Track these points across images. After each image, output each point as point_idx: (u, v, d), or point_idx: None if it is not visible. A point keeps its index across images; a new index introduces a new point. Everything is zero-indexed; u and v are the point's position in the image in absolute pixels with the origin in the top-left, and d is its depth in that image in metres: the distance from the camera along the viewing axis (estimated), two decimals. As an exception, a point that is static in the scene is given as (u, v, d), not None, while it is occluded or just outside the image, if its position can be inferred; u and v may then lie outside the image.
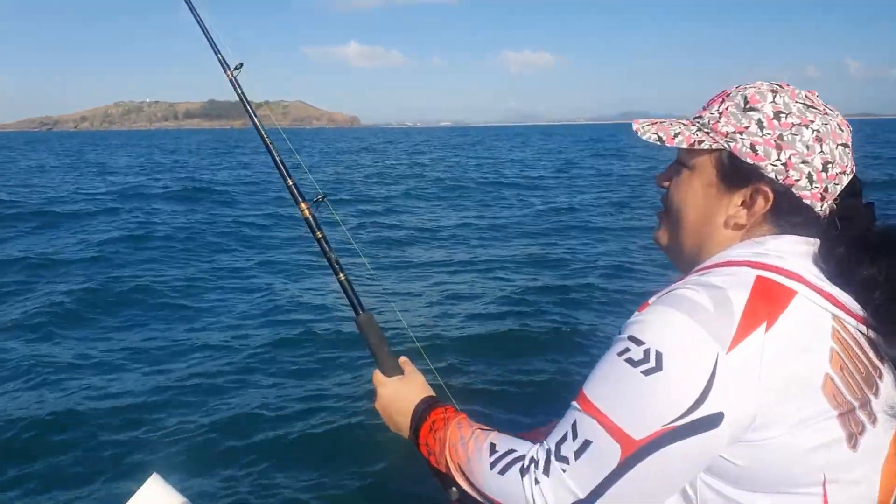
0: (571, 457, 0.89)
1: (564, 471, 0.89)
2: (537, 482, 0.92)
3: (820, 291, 0.89)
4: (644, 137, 1.05)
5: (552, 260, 8.87)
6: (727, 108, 1.00)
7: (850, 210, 0.99)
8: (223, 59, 1.79)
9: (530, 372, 4.78)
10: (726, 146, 0.98)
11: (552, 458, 0.91)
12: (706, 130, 1.01)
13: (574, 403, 0.92)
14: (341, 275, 1.46)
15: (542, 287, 7.19)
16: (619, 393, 0.87)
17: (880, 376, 0.91)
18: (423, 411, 1.21)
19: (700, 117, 1.04)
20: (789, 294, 0.88)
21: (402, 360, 1.35)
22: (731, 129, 0.98)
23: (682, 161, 1.05)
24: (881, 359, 0.92)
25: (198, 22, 1.82)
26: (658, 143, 1.03)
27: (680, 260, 1.08)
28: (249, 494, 3.52)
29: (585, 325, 5.83)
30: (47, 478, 3.71)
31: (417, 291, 6.92)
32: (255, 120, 1.70)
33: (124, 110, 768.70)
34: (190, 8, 1.84)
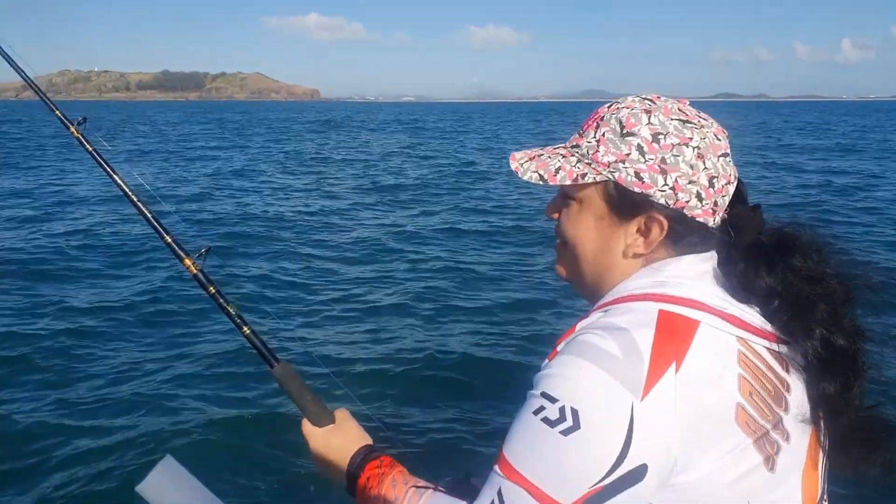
0: None
1: None
2: None
3: (722, 315, 0.89)
4: (525, 178, 1.01)
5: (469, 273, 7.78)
6: (604, 135, 0.97)
7: (740, 218, 0.99)
8: None
9: (467, 406, 4.45)
10: (611, 177, 0.96)
11: None
12: (587, 161, 0.98)
13: (496, 468, 0.88)
14: (246, 328, 1.34)
15: (470, 310, 6.50)
16: (541, 457, 0.84)
17: (788, 389, 0.91)
18: (357, 466, 1.16)
19: (577, 146, 1.01)
20: (692, 326, 0.87)
21: (339, 410, 1.28)
22: (612, 158, 0.96)
23: (567, 194, 1.02)
24: (787, 369, 0.92)
25: None
26: (540, 182, 1.00)
27: (583, 290, 1.06)
28: (260, 481, 3.59)
29: (517, 352, 5.35)
30: (63, 459, 3.80)
31: (335, 331, 6.01)
32: (111, 171, 1.56)
33: (70, 79, 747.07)
34: None
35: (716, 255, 0.98)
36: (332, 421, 1.26)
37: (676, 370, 0.83)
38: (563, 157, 1.01)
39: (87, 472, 3.67)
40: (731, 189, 0.98)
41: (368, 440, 1.23)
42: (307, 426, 1.26)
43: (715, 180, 0.95)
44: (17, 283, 7.24)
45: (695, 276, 0.94)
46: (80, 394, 4.64)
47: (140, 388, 4.71)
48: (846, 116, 67.25)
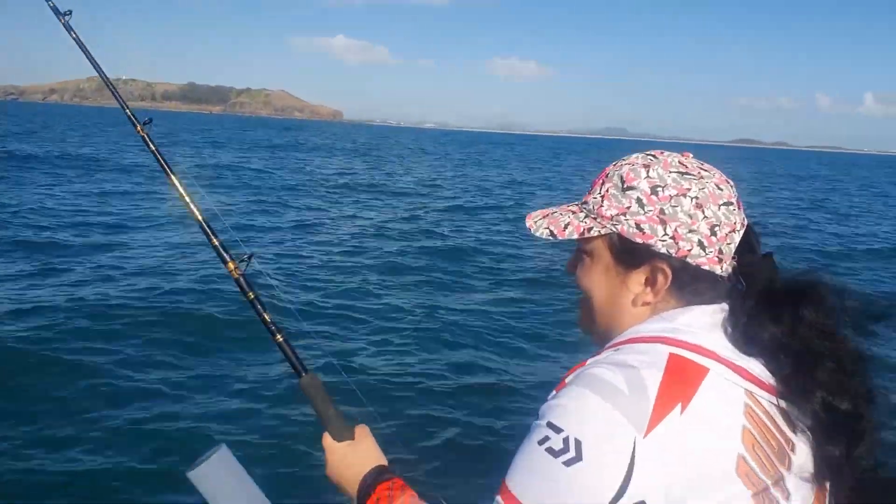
0: None
1: None
2: None
3: (731, 366, 0.90)
4: (537, 234, 1.08)
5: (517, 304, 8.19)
6: (608, 191, 1.02)
7: (750, 266, 1.00)
8: (54, 5, 1.82)
9: (487, 434, 4.60)
10: (614, 229, 1.00)
11: None
12: (593, 216, 1.04)
13: (498, 498, 0.88)
14: (279, 336, 1.39)
15: (510, 330, 6.98)
16: (542, 487, 0.85)
17: (793, 449, 0.90)
18: (369, 486, 1.19)
19: (586, 202, 1.07)
20: (702, 372, 0.88)
21: (359, 427, 1.32)
22: (614, 211, 1.00)
23: (581, 248, 1.08)
24: (793, 429, 0.91)
25: None
26: (551, 237, 1.05)
27: (598, 339, 1.08)
28: (308, 484, 3.63)
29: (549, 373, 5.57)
30: (119, 438, 4.03)
31: (365, 343, 6.37)
32: (161, 161, 1.67)
33: (98, 85, 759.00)
34: None
35: (727, 307, 0.98)
36: (352, 437, 1.29)
37: (682, 411, 0.84)
38: (573, 213, 1.06)
39: (140, 454, 3.91)
40: (737, 237, 0.99)
41: (383, 460, 1.26)
42: (327, 439, 1.30)
43: (717, 228, 0.96)
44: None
45: (706, 326, 0.94)
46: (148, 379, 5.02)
47: (193, 382, 5.05)
48: (857, 168, 69.67)
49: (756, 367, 0.92)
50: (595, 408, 0.85)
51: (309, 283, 8.49)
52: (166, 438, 4.15)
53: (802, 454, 0.91)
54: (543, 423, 0.88)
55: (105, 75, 1.94)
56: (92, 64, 1.97)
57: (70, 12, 1.88)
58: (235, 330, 6.23)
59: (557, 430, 0.86)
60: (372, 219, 14.94)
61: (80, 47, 1.90)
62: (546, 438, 0.86)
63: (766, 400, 0.91)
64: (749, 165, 65.83)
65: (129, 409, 4.57)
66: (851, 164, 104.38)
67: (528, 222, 1.11)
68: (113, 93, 1.94)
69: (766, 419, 0.90)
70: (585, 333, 1.12)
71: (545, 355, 6.43)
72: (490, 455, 4.23)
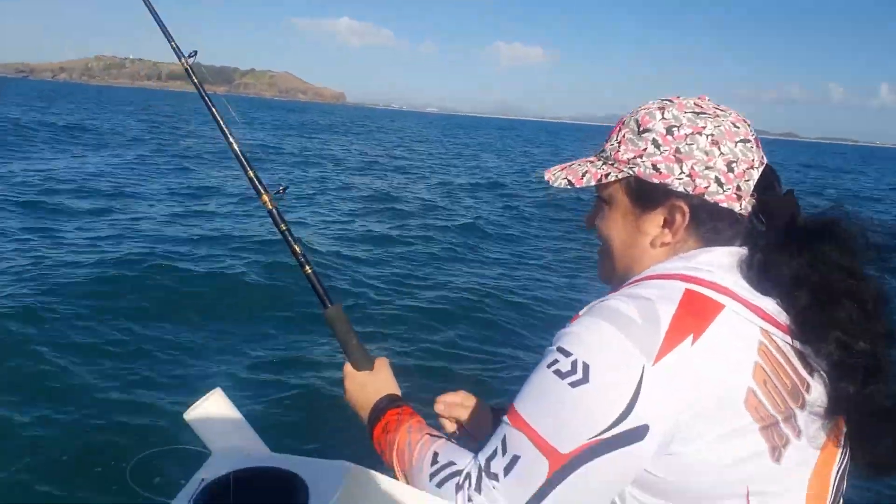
0: (501, 473, 0.91)
1: (495, 487, 0.91)
2: (470, 500, 0.94)
3: (748, 304, 0.89)
4: (555, 185, 1.08)
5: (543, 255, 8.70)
6: (624, 136, 1.02)
7: (769, 204, 0.99)
8: (177, 48, 1.80)
9: (502, 370, 4.69)
10: (631, 172, 1.00)
11: (483, 474, 0.93)
12: (610, 162, 1.03)
13: (504, 418, 0.92)
14: (308, 268, 1.42)
15: (534, 282, 7.18)
16: (546, 405, 0.88)
17: (807, 389, 0.89)
18: (380, 410, 1.23)
19: (603, 150, 1.07)
20: (716, 307, 0.88)
21: (379, 359, 1.36)
22: (631, 154, 1.00)
23: (600, 196, 1.07)
24: (809, 370, 0.90)
25: (151, 13, 1.81)
26: (569, 186, 1.06)
27: (618, 285, 1.05)
28: (304, 430, 3.74)
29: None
30: (116, 382, 4.15)
31: (390, 279, 6.73)
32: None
33: (106, 65, 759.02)
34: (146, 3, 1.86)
35: (746, 249, 0.97)
36: (371, 367, 1.33)
37: (692, 342, 0.84)
38: (591, 162, 1.07)
39: (141, 401, 3.97)
40: (755, 174, 0.98)
41: (396, 390, 1.30)
42: (348, 367, 1.34)
43: (734, 165, 0.96)
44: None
45: (724, 265, 0.94)
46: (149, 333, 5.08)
47: (198, 329, 5.21)
48: (875, 160, 66.65)
49: (772, 307, 0.91)
50: (606, 335, 0.86)
51: (341, 226, 8.99)
52: (168, 387, 4.27)
53: (817, 394, 0.90)
54: (554, 348, 0.91)
55: (181, 52, 1.82)
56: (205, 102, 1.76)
57: (195, 53, 1.83)
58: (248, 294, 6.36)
59: (567, 353, 0.88)
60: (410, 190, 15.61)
61: (198, 90, 1.76)
62: (555, 361, 0.89)
63: (782, 339, 0.90)
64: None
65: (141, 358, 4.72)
66: (869, 156, 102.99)
67: (547, 175, 1.11)
68: (197, 85, 1.75)
69: (780, 358, 0.89)
70: (606, 283, 1.11)
71: (569, 298, 6.73)
72: (505, 391, 4.26)
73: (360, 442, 1.28)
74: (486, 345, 5.32)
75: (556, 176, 1.09)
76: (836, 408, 0.89)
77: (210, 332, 5.27)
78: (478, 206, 13.64)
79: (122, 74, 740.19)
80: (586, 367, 0.85)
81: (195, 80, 1.83)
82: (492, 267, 8.14)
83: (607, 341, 0.86)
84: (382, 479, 1.12)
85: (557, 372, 0.87)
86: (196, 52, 1.87)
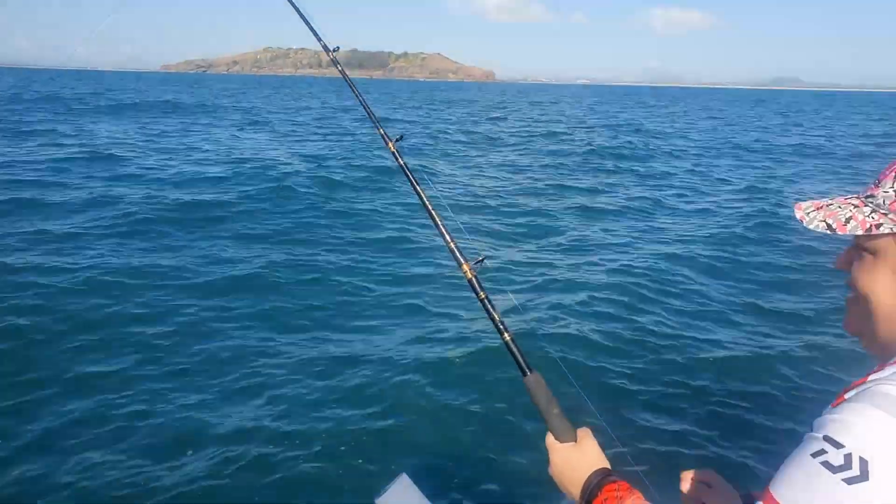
0: None
1: None
2: None
3: None
4: (811, 227, 1.00)
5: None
6: None
7: None
8: (325, 44, 2.15)
9: (715, 436, 4.33)
10: None
11: None
12: (883, 212, 0.94)
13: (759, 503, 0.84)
14: (506, 335, 1.44)
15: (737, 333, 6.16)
16: (813, 499, 0.79)
17: None
18: (595, 487, 1.19)
19: (872, 196, 0.97)
20: None
21: (582, 429, 1.33)
22: None
23: (861, 245, 0.98)
24: None
25: (299, 13, 2.16)
26: (828, 231, 0.98)
27: (873, 347, 1.00)
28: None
29: (786, 386, 5.04)
30: (301, 469, 3.89)
31: (588, 346, 5.82)
32: (412, 180, 1.85)
33: (272, 56, 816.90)
34: (293, 5, 2.21)
35: None
36: (574, 438, 1.31)
37: None
38: (855, 206, 0.98)
39: (328, 479, 3.86)
40: None
41: (606, 463, 1.26)
42: (550, 439, 1.32)
43: None
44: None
45: None
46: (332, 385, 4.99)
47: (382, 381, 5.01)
48: None
49: None
50: (883, 426, 0.78)
51: (533, 283, 7.73)
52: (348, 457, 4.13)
53: None
54: (819, 435, 0.82)
55: (366, 104, 2.25)
56: (353, 92, 2.35)
57: (338, 48, 2.29)
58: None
59: (837, 445, 0.79)
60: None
61: (343, 77, 2.31)
62: (822, 451, 0.80)
63: None
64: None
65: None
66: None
67: (799, 213, 1.03)
68: (369, 114, 2.20)
69: None
70: (853, 335, 1.04)
71: (808, 354, 5.68)
72: (726, 463, 4.02)
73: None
74: (745, 415, 4.67)
75: (812, 217, 1.01)
76: None
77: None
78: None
79: (286, 64, 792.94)
80: (864, 463, 0.77)
81: (340, 69, 2.23)
82: (762, 317, 6.68)
83: (885, 433, 0.78)
84: None
85: (827, 464, 0.79)
86: (339, 48, 2.25)
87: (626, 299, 7.00)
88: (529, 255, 9.08)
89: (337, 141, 21.76)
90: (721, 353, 5.70)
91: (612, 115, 43.08)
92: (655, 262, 8.37)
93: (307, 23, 2.42)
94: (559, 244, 9.71)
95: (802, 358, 5.61)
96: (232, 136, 22.30)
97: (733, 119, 42.42)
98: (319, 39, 2.36)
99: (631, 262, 8.44)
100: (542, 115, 42.37)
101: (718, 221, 11.19)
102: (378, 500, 1.45)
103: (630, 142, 23.73)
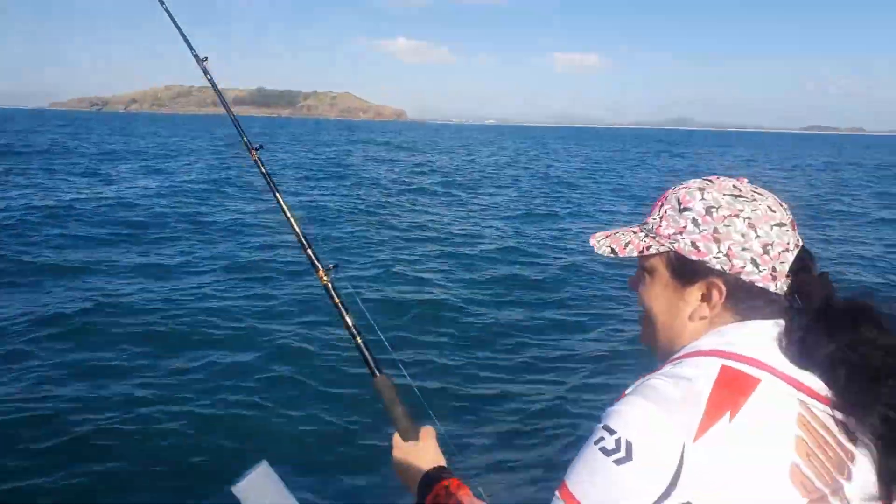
0: None
1: None
2: None
3: (784, 377, 0.93)
4: (599, 251, 1.15)
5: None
6: (666, 212, 1.09)
7: (805, 284, 1.03)
8: (196, 53, 2.12)
9: (546, 445, 4.72)
10: (671, 247, 1.07)
11: None
12: (652, 235, 1.10)
13: (556, 493, 0.94)
14: (359, 338, 1.54)
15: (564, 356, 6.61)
16: (594, 483, 0.90)
17: (852, 460, 0.91)
18: (428, 484, 1.30)
19: (646, 223, 1.14)
20: (752, 382, 0.92)
21: (425, 428, 1.43)
22: (671, 230, 1.07)
23: (642, 266, 1.13)
24: (853, 441, 0.92)
25: (170, 16, 2.19)
26: (612, 255, 1.13)
27: (660, 354, 1.13)
28: (346, 493, 3.88)
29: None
30: (158, 456, 4.15)
31: (434, 346, 6.54)
32: (270, 184, 1.95)
33: (174, 94, 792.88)
34: (166, 10, 2.26)
35: (783, 322, 1.01)
36: (417, 437, 1.42)
37: (730, 419, 0.88)
38: (634, 233, 1.14)
39: (189, 463, 4.07)
40: (790, 256, 1.03)
41: (443, 461, 1.38)
42: (395, 438, 1.43)
43: (769, 247, 1.01)
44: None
45: (760, 340, 0.98)
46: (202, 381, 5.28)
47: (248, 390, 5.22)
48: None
49: (811, 380, 0.93)
50: (647, 414, 0.90)
51: (385, 291, 8.62)
52: (213, 451, 4.35)
53: (864, 467, 0.91)
54: (601, 426, 0.94)
55: (238, 123, 2.28)
56: (224, 107, 2.35)
57: (206, 58, 2.26)
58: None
59: (612, 432, 0.91)
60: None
61: (214, 89, 2.28)
62: (601, 439, 0.92)
63: (822, 411, 0.92)
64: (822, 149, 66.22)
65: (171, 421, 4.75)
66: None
67: (592, 242, 1.18)
68: (235, 123, 2.27)
69: (822, 430, 0.91)
70: (647, 347, 1.17)
71: (614, 366, 6.37)
72: (549, 464, 4.40)
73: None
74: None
75: (601, 243, 1.17)
76: (886, 484, 0.90)
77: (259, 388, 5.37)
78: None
79: (189, 102, 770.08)
80: (629, 445, 0.89)
81: (209, 78, 2.22)
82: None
83: (648, 420, 0.90)
84: None
85: (603, 449, 0.91)
86: (207, 58, 2.25)
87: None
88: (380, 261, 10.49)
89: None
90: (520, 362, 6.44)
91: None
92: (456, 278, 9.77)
93: (178, 27, 2.34)
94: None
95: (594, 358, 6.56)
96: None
97: (594, 156, 47.06)
98: (191, 48, 2.27)
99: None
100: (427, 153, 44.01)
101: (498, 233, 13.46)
102: (236, 486, 1.41)
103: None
